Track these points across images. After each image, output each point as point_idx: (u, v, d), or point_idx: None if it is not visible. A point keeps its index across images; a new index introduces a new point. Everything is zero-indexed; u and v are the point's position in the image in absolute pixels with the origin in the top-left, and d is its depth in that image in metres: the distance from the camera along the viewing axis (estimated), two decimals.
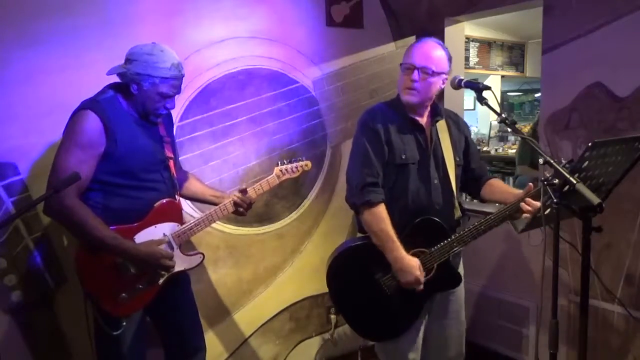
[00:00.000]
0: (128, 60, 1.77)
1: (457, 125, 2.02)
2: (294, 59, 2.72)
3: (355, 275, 1.89)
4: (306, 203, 2.84)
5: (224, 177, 2.55)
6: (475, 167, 2.05)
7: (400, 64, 1.88)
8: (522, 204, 1.73)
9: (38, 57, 2.03)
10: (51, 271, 2.12)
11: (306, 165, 2.15)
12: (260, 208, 2.66)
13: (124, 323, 1.81)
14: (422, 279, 1.80)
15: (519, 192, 1.84)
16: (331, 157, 2.91)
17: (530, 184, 1.76)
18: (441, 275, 1.86)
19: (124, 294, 1.78)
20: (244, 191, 2.00)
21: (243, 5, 2.53)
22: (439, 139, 1.93)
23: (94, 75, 2.12)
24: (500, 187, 2.01)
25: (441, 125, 1.95)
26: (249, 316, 2.71)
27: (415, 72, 1.80)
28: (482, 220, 1.80)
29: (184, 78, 1.86)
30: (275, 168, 2.10)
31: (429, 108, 1.93)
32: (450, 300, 1.99)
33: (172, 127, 2.06)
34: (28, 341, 2.10)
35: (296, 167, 2.12)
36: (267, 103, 2.65)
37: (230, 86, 2.53)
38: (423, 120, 1.92)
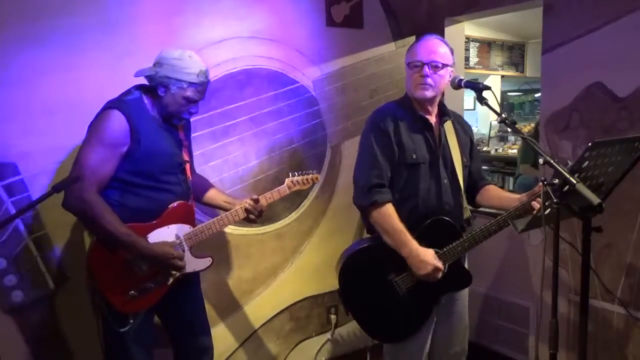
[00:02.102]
0: (157, 64, 1.83)
1: (463, 127, 2.04)
2: (294, 59, 2.72)
3: (368, 276, 1.89)
4: (306, 203, 2.84)
5: (224, 177, 2.55)
6: (474, 171, 2.06)
7: (407, 63, 1.88)
8: (534, 203, 1.74)
9: (38, 57, 2.03)
10: (51, 271, 2.12)
11: (316, 178, 2.21)
12: None
13: (131, 320, 1.83)
14: (441, 266, 1.79)
15: (518, 196, 1.86)
16: (331, 157, 2.91)
17: (540, 184, 1.76)
18: (452, 275, 1.86)
19: (133, 292, 1.81)
20: (256, 200, 2.04)
21: (243, 5, 2.53)
22: (446, 139, 1.94)
23: (95, 75, 2.14)
24: (497, 193, 2.02)
25: (448, 125, 1.96)
26: (249, 316, 2.71)
27: (425, 67, 1.81)
28: (493, 221, 1.80)
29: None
30: (287, 179, 2.15)
31: (437, 107, 1.94)
32: (456, 301, 2.01)
33: (190, 131, 2.11)
34: (28, 341, 2.09)
35: (306, 179, 2.18)
36: (267, 103, 2.65)
37: (230, 86, 2.53)
38: (432, 119, 1.92)
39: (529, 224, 1.63)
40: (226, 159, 2.56)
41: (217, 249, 2.57)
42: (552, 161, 1.38)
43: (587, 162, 1.36)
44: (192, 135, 2.44)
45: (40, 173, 2.05)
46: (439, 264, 1.79)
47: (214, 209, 2.23)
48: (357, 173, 1.92)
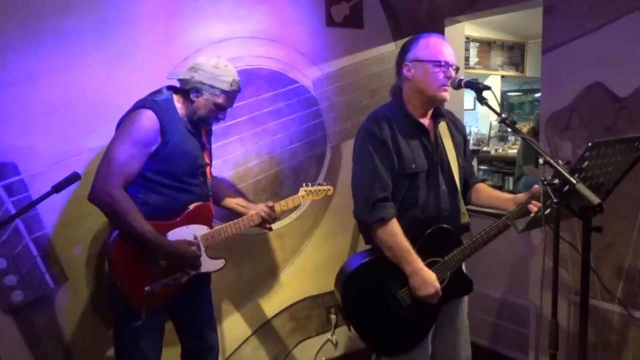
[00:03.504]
0: (193, 69, 1.89)
1: (456, 125, 1.99)
2: (294, 59, 2.72)
3: (370, 291, 1.82)
4: (306, 203, 2.84)
5: (224, 177, 2.55)
6: (466, 167, 2.00)
7: (430, 61, 1.76)
8: (530, 205, 1.72)
9: (38, 56, 2.03)
10: (51, 271, 2.12)
11: (329, 190, 2.30)
12: None
13: (144, 316, 1.87)
14: (439, 291, 1.76)
15: (510, 196, 1.85)
16: (331, 157, 2.91)
17: (536, 185, 1.72)
18: (454, 283, 1.83)
19: (148, 287, 1.84)
20: (272, 207, 2.12)
21: (243, 5, 2.53)
22: (442, 142, 1.88)
23: (94, 74, 2.14)
24: (490, 193, 1.99)
25: (442, 127, 1.91)
26: (249, 316, 2.71)
27: (450, 69, 1.77)
28: (492, 225, 1.78)
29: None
30: (301, 189, 2.23)
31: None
32: (459, 306, 1.97)
33: (211, 136, 2.15)
34: (28, 341, 2.09)
35: (320, 190, 2.27)
36: (267, 103, 2.65)
37: None
38: (426, 122, 1.86)
39: (529, 224, 1.63)
40: (226, 159, 2.56)
41: (217, 248, 2.56)
42: (552, 161, 1.37)
43: (587, 162, 1.36)
44: None
45: (40, 173, 2.05)
46: (439, 288, 1.76)
47: (227, 212, 2.24)
48: (357, 186, 1.83)
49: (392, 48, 3.08)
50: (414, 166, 1.79)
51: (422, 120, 1.85)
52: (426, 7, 3.11)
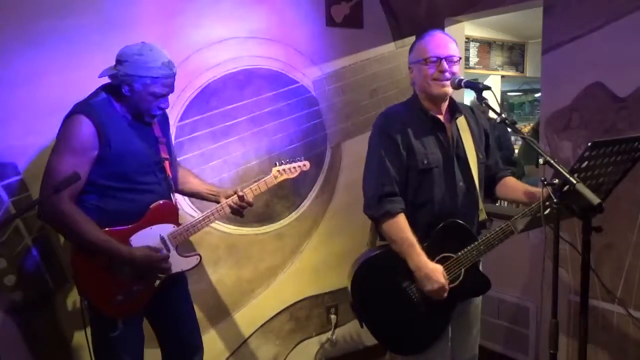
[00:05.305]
0: (118, 62, 1.76)
1: (476, 120, 1.95)
2: (294, 59, 2.72)
3: (381, 284, 1.80)
4: (306, 203, 2.84)
5: (224, 177, 2.55)
6: (492, 164, 1.97)
7: (420, 60, 1.78)
8: None
9: (38, 57, 2.03)
10: (51, 271, 2.12)
11: (304, 165, 2.12)
12: (260, 208, 2.66)
13: (120, 325, 1.80)
14: (447, 287, 1.73)
15: (536, 189, 1.81)
16: (331, 157, 2.91)
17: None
18: (470, 281, 1.80)
19: (119, 296, 1.77)
20: (241, 197, 1.98)
21: (243, 5, 2.53)
22: (460, 137, 1.85)
23: (94, 75, 2.13)
24: (515, 185, 1.94)
25: (461, 121, 1.88)
26: (249, 316, 2.71)
27: (443, 62, 1.75)
28: (509, 221, 1.75)
29: (176, 76, 1.84)
30: (273, 168, 2.08)
31: (447, 103, 1.86)
32: (475, 305, 1.95)
33: (168, 127, 2.04)
34: (28, 341, 2.09)
35: (294, 167, 2.10)
36: (267, 103, 2.65)
37: (230, 86, 2.52)
38: (442, 117, 1.84)
39: (529, 224, 1.63)
40: (226, 159, 2.56)
41: (217, 248, 2.57)
42: (552, 161, 1.37)
43: (587, 162, 1.36)
44: (192, 135, 2.45)
45: (40, 173, 2.03)
46: (445, 283, 1.72)
47: (202, 201, 2.18)
48: (366, 182, 1.84)
49: (392, 48, 3.08)
50: (425, 162, 1.78)
51: (439, 116, 1.84)
52: (426, 7, 3.11)
